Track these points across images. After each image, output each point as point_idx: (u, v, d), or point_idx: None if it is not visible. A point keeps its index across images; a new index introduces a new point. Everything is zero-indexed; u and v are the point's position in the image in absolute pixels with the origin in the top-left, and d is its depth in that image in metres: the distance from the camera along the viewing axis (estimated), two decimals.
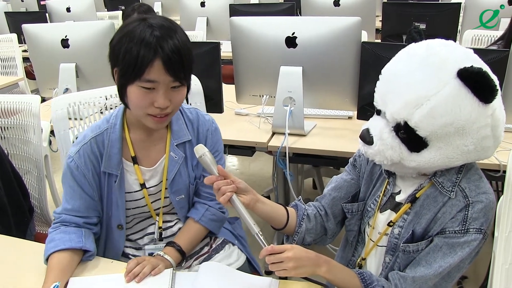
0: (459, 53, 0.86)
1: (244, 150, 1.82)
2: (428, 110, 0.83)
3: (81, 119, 1.50)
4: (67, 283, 1.03)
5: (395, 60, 0.92)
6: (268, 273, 0.93)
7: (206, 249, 1.26)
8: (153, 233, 1.25)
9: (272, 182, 2.48)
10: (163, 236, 1.26)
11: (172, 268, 1.09)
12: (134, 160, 1.18)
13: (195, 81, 1.57)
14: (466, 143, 0.85)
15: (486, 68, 0.85)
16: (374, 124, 0.93)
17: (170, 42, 1.00)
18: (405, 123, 0.86)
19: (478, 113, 0.82)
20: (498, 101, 0.85)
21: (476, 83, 0.81)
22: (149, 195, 1.21)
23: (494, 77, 0.84)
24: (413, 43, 0.91)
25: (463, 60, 0.84)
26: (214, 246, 1.27)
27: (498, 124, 0.86)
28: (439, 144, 0.86)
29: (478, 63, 0.86)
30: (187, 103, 1.56)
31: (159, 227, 1.25)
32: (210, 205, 1.24)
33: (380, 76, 0.93)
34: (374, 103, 0.94)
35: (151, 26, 1.01)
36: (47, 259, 1.07)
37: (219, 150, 1.26)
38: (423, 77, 0.84)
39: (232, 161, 3.41)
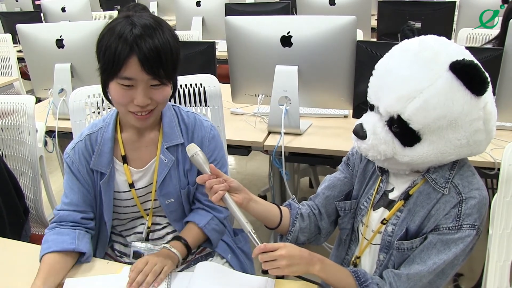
0: (451, 47, 0.87)
1: (240, 149, 1.82)
2: (421, 103, 0.83)
3: (99, 112, 1.46)
4: (62, 284, 1.03)
5: (388, 56, 0.92)
6: (265, 272, 0.92)
7: (190, 257, 1.22)
8: (141, 232, 1.25)
9: (268, 182, 2.48)
10: (149, 237, 1.25)
11: None
12: (124, 160, 1.17)
13: (214, 83, 1.50)
14: (458, 136, 0.86)
15: (477, 62, 0.86)
16: (368, 119, 0.94)
17: (149, 41, 0.99)
18: (398, 116, 0.87)
19: (471, 106, 0.83)
20: (489, 94, 0.86)
21: (468, 76, 0.82)
22: (138, 196, 1.21)
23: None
24: (406, 40, 0.92)
25: (455, 54, 0.85)
26: (197, 256, 1.24)
27: (490, 117, 0.87)
28: (432, 138, 0.87)
29: (470, 57, 0.86)
30: (206, 105, 1.51)
31: (148, 227, 1.24)
32: (214, 215, 1.22)
33: (373, 72, 0.94)
34: (368, 98, 0.95)
35: (133, 24, 1.01)
36: (41, 260, 1.06)
37: (217, 159, 1.21)
38: (416, 71, 0.85)
39: (228, 160, 3.40)
